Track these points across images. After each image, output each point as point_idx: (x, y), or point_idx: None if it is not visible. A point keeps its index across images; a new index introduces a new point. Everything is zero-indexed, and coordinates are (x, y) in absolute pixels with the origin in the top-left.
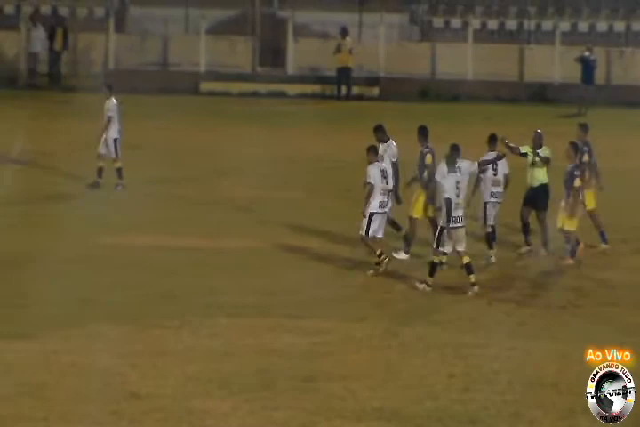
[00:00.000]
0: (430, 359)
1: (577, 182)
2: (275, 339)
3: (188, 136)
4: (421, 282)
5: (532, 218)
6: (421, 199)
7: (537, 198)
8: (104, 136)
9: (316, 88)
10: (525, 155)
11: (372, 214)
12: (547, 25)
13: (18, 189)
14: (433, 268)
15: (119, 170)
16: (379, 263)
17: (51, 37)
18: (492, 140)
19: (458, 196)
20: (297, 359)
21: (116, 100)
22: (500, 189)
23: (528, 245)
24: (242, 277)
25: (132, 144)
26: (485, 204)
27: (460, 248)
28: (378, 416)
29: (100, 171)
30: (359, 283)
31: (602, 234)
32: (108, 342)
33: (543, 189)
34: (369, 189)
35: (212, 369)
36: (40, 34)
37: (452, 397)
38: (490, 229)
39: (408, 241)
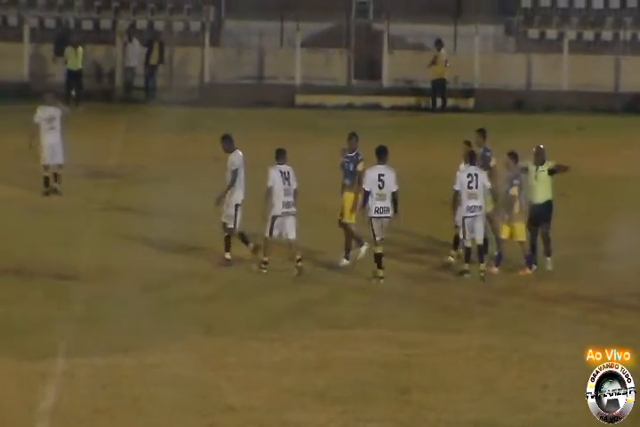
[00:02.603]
0: (525, 370)
1: (513, 191)
2: (370, 350)
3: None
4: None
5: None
6: None
7: (541, 215)
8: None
9: (411, 100)
10: (526, 170)
11: (274, 217)
12: None
13: (113, 201)
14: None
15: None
16: (266, 262)
17: (147, 52)
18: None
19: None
20: (392, 371)
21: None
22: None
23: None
24: (337, 288)
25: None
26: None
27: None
28: None
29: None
30: (455, 295)
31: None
32: (204, 355)
33: (547, 205)
34: (266, 192)
35: (306, 381)
36: (136, 48)
37: (546, 408)
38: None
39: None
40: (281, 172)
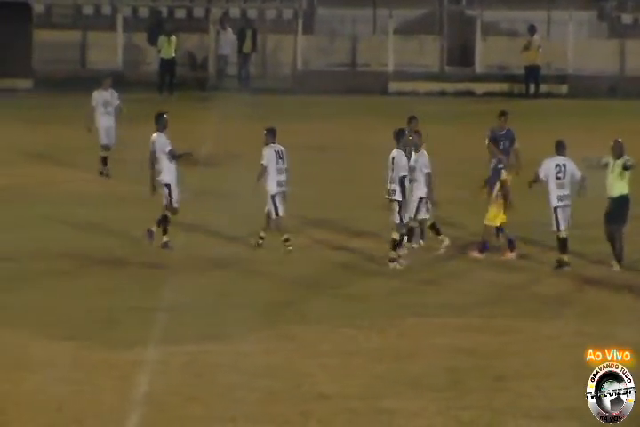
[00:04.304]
0: None
1: (503, 175)
2: (464, 338)
3: (375, 136)
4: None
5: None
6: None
7: (614, 210)
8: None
9: (504, 86)
10: (606, 165)
11: (273, 196)
12: None
13: (206, 189)
14: None
15: None
16: (287, 239)
17: (239, 40)
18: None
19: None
20: (486, 358)
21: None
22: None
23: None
24: (431, 277)
25: (317, 146)
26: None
27: None
28: (568, 416)
29: None
30: (551, 282)
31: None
32: (298, 343)
33: (622, 201)
34: (261, 171)
35: (400, 369)
36: (229, 36)
37: None
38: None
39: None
40: (275, 151)
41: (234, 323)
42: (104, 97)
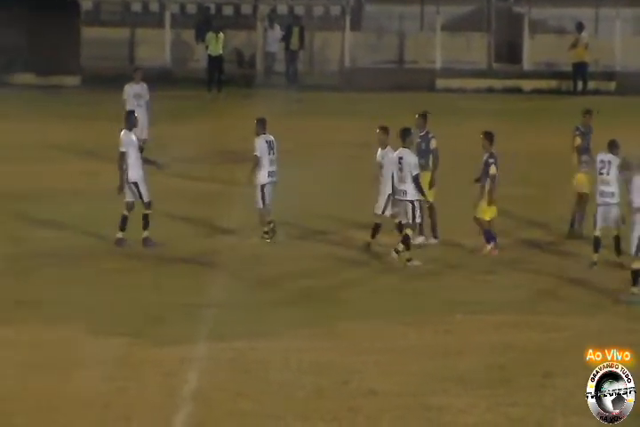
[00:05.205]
0: None
1: (492, 170)
2: (512, 335)
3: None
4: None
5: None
6: None
7: None
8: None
9: (552, 84)
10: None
11: (262, 186)
12: None
13: None
14: None
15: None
16: (267, 232)
17: (286, 37)
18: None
19: None
20: (534, 355)
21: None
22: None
23: None
24: (476, 274)
25: (362, 143)
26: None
27: None
28: None
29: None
30: (600, 279)
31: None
32: (346, 340)
33: None
34: (255, 161)
35: (448, 366)
36: (276, 33)
37: None
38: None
39: None
40: (267, 141)
41: (280, 319)
42: (135, 90)
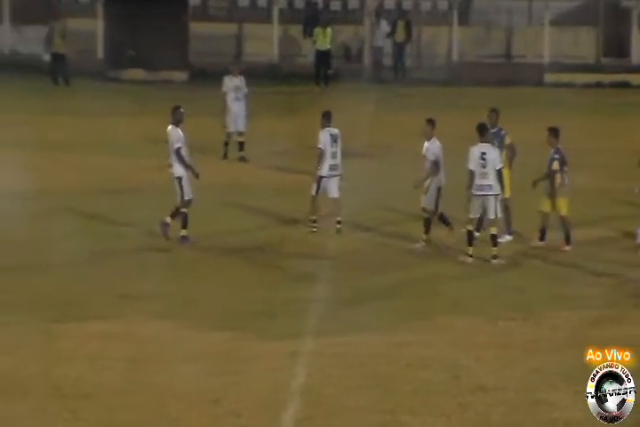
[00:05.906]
0: None
1: (554, 165)
2: (620, 331)
3: (528, 128)
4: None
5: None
6: None
7: None
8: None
9: None
10: None
11: (320, 178)
12: None
13: (362, 180)
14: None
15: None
16: (314, 221)
17: (393, 31)
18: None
19: None
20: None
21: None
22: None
23: None
24: (577, 269)
25: (469, 136)
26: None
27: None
28: None
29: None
30: None
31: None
32: (454, 334)
33: None
34: (319, 154)
35: (555, 361)
36: (384, 28)
37: None
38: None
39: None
40: (331, 135)
41: (387, 314)
42: (234, 83)
